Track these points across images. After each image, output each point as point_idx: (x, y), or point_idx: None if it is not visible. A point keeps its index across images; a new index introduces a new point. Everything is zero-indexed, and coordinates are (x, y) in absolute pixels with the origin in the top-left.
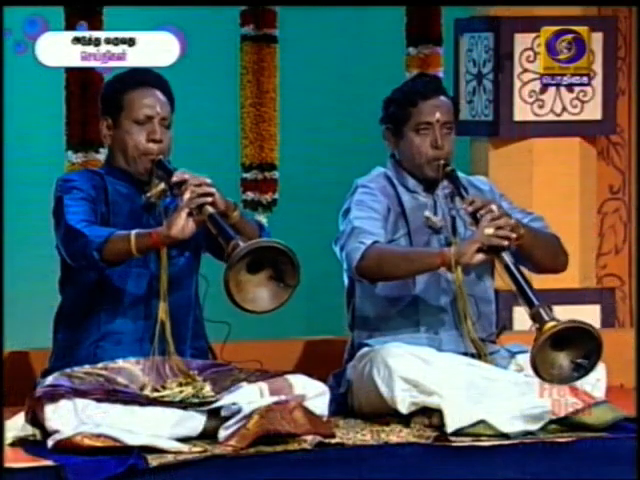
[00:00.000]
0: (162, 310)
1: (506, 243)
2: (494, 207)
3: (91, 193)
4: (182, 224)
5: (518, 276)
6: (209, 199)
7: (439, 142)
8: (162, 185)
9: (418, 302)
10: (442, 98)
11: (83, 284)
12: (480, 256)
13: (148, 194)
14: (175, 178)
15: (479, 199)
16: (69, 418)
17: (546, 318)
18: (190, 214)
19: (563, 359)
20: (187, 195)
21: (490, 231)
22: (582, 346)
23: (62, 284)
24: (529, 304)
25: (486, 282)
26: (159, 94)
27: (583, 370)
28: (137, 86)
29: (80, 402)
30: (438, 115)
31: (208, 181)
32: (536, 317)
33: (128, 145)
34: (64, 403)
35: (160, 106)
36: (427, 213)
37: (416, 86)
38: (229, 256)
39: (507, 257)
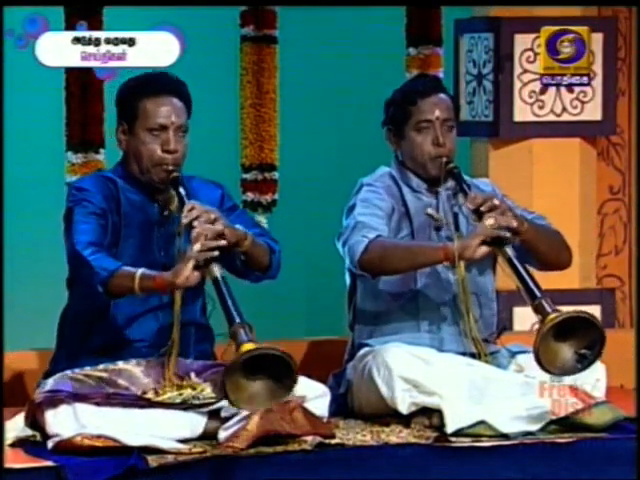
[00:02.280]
0: (176, 328)
1: (509, 235)
2: (497, 202)
3: (102, 206)
4: (187, 275)
5: (520, 269)
6: (217, 253)
7: (440, 140)
8: (177, 199)
9: (419, 298)
10: (441, 96)
11: (89, 288)
12: (483, 249)
13: (167, 209)
14: (185, 220)
15: (481, 195)
16: (69, 423)
17: (548, 310)
18: (197, 266)
19: (566, 350)
20: (197, 247)
21: (492, 222)
22: (585, 337)
23: (70, 284)
24: (531, 296)
25: (488, 283)
26: (175, 101)
27: (587, 361)
28: (153, 94)
29: (80, 407)
30: (438, 112)
31: (219, 228)
32: (539, 309)
33: (143, 155)
34: (64, 408)
35: (175, 115)
36: (429, 210)
37: (415, 85)
38: (230, 337)
39: (510, 250)
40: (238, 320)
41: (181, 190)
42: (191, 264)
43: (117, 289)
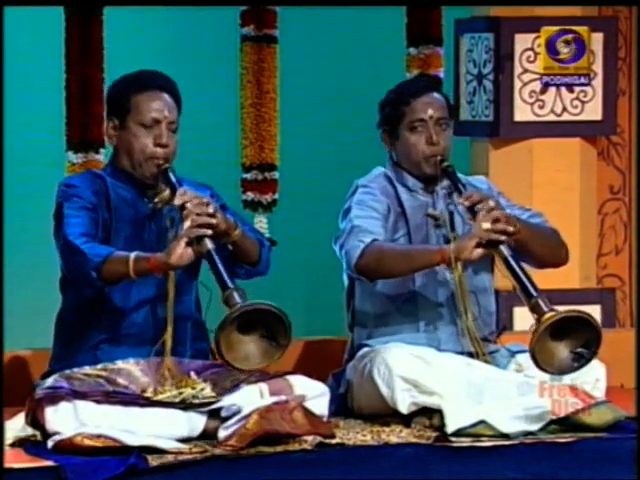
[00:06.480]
0: (169, 319)
1: (503, 238)
2: (491, 201)
3: (92, 200)
4: (180, 252)
5: (516, 268)
6: (209, 232)
7: (434, 138)
8: (168, 191)
9: (417, 298)
10: (434, 95)
11: (83, 276)
12: (479, 251)
13: (156, 199)
14: (177, 201)
15: (477, 194)
16: (69, 420)
17: (545, 309)
18: (189, 243)
19: (563, 349)
20: (187, 224)
21: (487, 225)
22: (581, 336)
23: (63, 285)
24: (528, 295)
25: (484, 276)
26: (167, 97)
27: (583, 360)
28: (145, 89)
29: (80, 404)
30: (431, 112)
31: (210, 210)
32: (535, 308)
33: (134, 149)
34: (64, 405)
35: (168, 110)
36: (430, 210)
37: (407, 86)
38: (223, 302)
39: (505, 250)
40: (231, 285)
41: (172, 178)
42: (183, 241)
43: (111, 274)
